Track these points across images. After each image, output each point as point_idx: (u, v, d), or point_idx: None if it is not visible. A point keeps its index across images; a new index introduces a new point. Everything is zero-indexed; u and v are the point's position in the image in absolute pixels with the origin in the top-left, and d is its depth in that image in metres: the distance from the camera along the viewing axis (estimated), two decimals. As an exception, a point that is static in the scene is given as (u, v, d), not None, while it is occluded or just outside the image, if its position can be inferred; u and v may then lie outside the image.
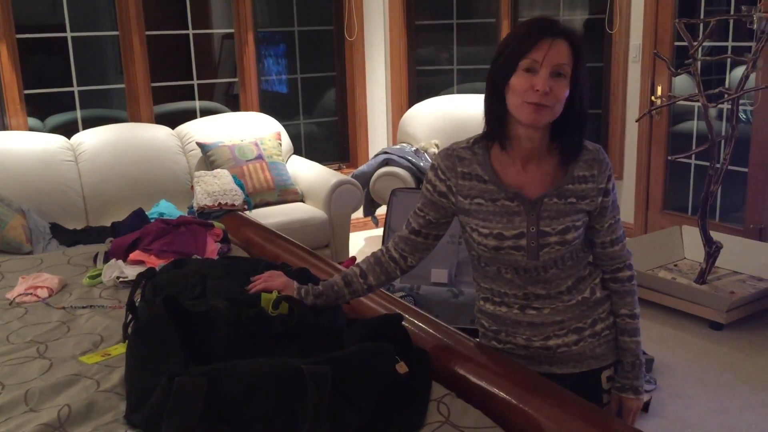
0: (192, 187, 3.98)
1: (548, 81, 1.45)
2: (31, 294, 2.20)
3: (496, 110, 1.55)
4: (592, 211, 1.58)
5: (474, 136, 1.62)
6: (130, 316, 1.81)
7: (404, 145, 4.77)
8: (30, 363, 1.76)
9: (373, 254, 1.73)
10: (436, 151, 4.68)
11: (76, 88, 4.32)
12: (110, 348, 1.82)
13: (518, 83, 1.48)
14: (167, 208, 3.68)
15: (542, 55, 1.45)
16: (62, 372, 1.70)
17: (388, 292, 2.05)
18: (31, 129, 4.15)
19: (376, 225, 4.85)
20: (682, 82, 4.43)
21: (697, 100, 3.66)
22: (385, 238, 3.76)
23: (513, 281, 1.61)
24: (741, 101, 3.70)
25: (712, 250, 3.71)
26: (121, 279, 2.28)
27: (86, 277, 2.34)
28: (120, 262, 2.35)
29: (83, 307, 2.11)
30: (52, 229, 3.60)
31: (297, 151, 4.83)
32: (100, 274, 2.33)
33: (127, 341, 1.67)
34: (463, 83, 5.40)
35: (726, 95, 3.59)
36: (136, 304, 1.82)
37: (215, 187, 3.84)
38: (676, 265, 4.07)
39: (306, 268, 1.99)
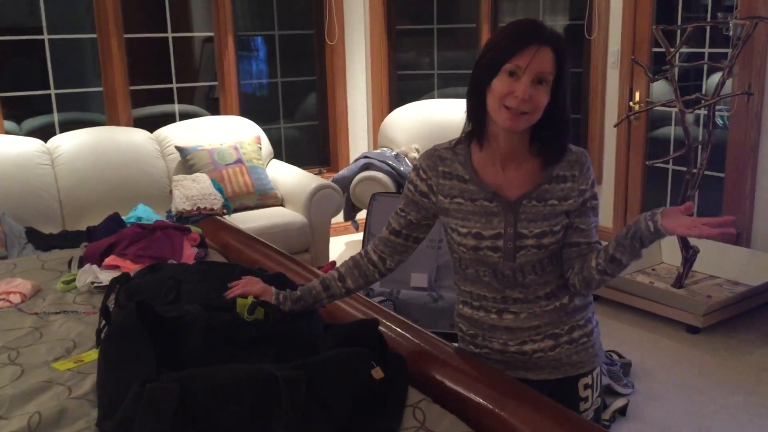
0: (171, 191, 3.95)
1: (529, 88, 1.45)
2: (3, 299, 2.16)
3: (476, 108, 1.55)
4: (573, 212, 1.57)
5: (456, 137, 1.62)
6: (103, 322, 1.78)
7: (385, 149, 4.77)
8: (1, 369, 1.73)
9: (352, 258, 1.73)
10: (416, 155, 4.68)
11: (53, 91, 4.27)
12: (83, 354, 1.80)
13: (499, 86, 1.47)
14: (145, 212, 3.66)
15: (526, 62, 1.45)
16: (34, 379, 1.67)
17: (366, 297, 2.05)
18: (6, 132, 4.11)
19: (357, 229, 4.84)
20: (660, 88, 4.47)
21: (675, 106, 3.69)
22: (365, 242, 3.76)
23: (491, 284, 1.61)
24: (717, 107, 3.74)
25: (689, 254, 3.74)
26: (95, 284, 2.25)
27: (60, 282, 2.31)
28: (95, 267, 2.33)
29: (56, 313, 2.08)
30: (28, 233, 3.56)
31: (277, 155, 4.81)
32: (74, 279, 2.30)
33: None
34: (444, 88, 5.42)
35: (703, 101, 3.62)
36: (110, 310, 1.80)
37: (194, 191, 3.81)
38: (653, 270, 4.10)
39: (282, 273, 1.98)
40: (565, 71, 1.49)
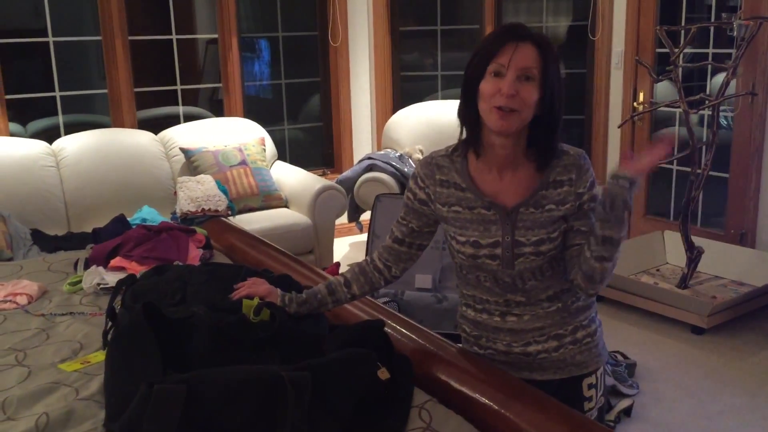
0: (175, 192, 3.96)
1: (514, 84, 1.46)
2: (10, 301, 2.17)
3: (469, 117, 1.55)
4: (571, 215, 1.56)
5: (453, 144, 1.62)
6: (110, 323, 1.79)
7: (388, 150, 4.77)
8: (8, 371, 1.74)
9: (358, 264, 1.74)
10: (420, 156, 4.68)
11: (58, 93, 4.28)
12: (90, 355, 1.81)
13: (486, 88, 1.48)
14: (150, 214, 3.67)
15: (507, 59, 1.46)
16: (41, 380, 1.68)
17: (371, 298, 2.05)
18: (12, 134, 4.12)
19: (361, 231, 4.85)
20: (664, 89, 4.47)
21: (679, 107, 3.69)
22: (369, 243, 3.76)
23: (493, 289, 1.61)
24: (722, 107, 3.73)
25: (694, 255, 3.74)
26: (102, 286, 2.26)
27: (66, 284, 2.32)
28: (101, 268, 2.33)
29: (63, 314, 2.09)
30: (33, 235, 3.57)
31: (281, 156, 4.81)
32: (80, 281, 2.31)
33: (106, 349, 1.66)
34: (447, 89, 5.42)
35: (707, 101, 3.62)
36: (116, 311, 1.80)
37: (198, 192, 3.82)
38: (658, 270, 4.09)
39: (287, 274, 1.99)
40: (551, 66, 1.48)
